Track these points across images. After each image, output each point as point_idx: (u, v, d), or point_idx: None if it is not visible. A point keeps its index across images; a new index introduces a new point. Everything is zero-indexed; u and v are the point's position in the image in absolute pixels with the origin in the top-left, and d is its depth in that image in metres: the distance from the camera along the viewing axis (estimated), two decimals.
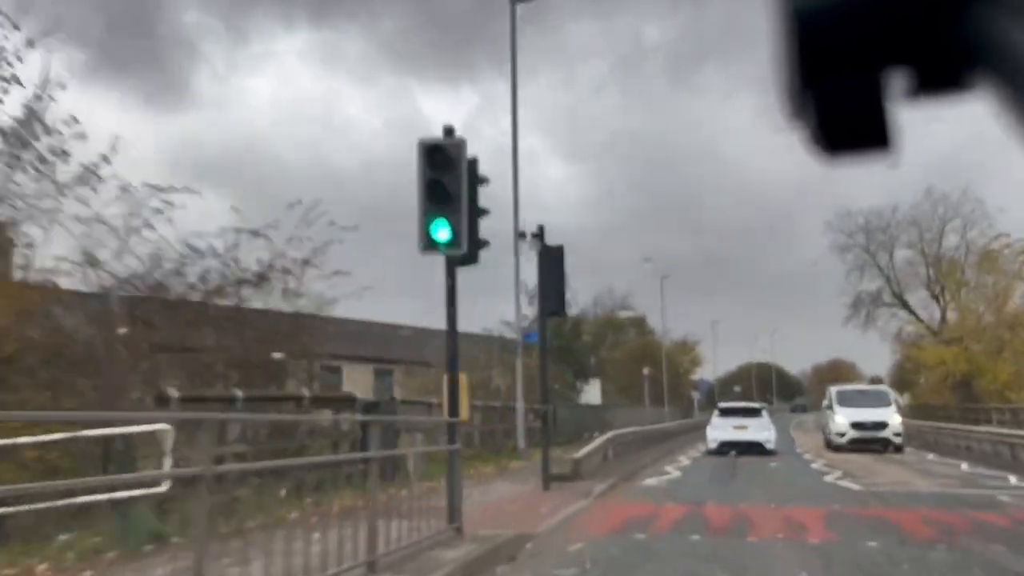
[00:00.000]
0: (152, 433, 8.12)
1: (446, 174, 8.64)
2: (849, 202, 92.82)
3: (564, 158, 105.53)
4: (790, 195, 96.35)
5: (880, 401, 26.77)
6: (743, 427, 26.19)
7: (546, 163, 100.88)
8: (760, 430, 26.07)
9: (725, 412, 27.73)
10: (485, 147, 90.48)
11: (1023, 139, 0.68)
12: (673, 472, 19.02)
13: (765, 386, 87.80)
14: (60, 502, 6.96)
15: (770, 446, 25.63)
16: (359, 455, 9.29)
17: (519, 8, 21.71)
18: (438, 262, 8.99)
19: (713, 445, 25.96)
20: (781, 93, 0.76)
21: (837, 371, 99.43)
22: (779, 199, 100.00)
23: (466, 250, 8.70)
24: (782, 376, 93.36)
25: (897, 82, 0.73)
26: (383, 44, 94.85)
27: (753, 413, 27.53)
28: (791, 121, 0.76)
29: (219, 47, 79.88)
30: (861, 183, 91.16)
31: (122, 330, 11.24)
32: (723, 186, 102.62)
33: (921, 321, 50.88)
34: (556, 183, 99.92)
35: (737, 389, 66.61)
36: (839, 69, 0.73)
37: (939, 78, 0.73)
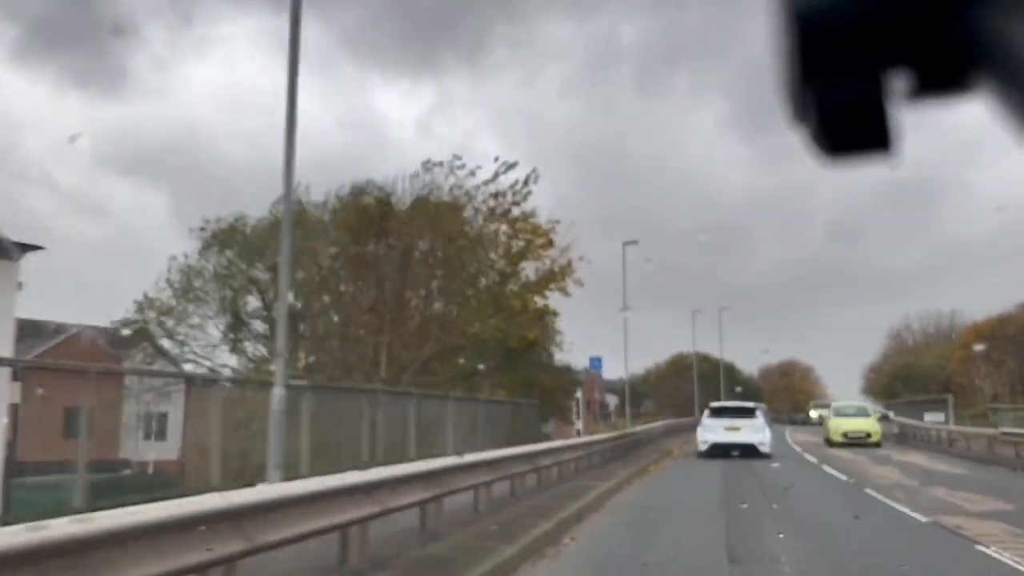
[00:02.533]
0: None
1: None
2: (804, 214, 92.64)
3: (520, 160, 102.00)
4: (744, 205, 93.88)
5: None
6: (736, 428, 24.99)
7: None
8: (754, 431, 24.92)
9: (717, 412, 26.37)
10: (438, 147, 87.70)
11: None
12: None
13: (711, 388, 64.45)
14: None
15: (765, 449, 24.56)
16: None
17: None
18: None
19: (703, 447, 24.94)
20: (782, 93, 0.75)
21: (790, 375, 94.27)
22: (734, 208, 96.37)
23: None
24: (733, 376, 74.61)
25: (898, 83, 0.73)
26: (341, 34, 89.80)
27: (747, 413, 26.18)
28: (791, 122, 0.76)
29: (161, 28, 72.45)
30: (816, 194, 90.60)
31: None
32: (679, 194, 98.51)
33: None
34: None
35: (739, 389, 62.74)
36: (840, 70, 0.73)
37: (940, 79, 0.73)
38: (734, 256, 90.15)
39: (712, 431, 25.26)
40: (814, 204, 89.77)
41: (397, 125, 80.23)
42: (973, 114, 0.75)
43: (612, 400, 66.49)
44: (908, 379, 63.63)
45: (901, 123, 0.74)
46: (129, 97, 78.21)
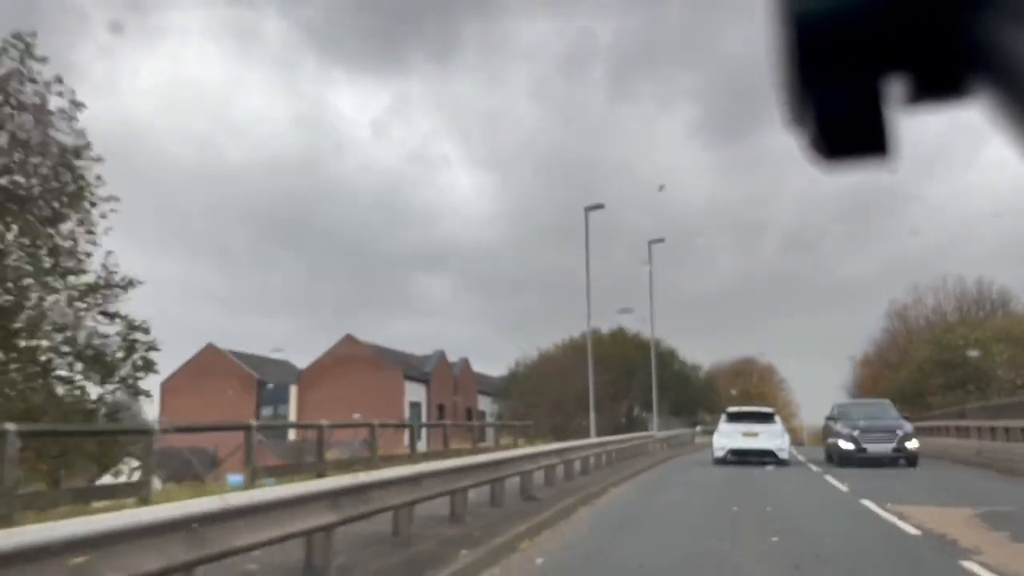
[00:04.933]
0: None
1: None
2: (761, 225, 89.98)
3: (480, 165, 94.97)
4: (702, 214, 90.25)
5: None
6: (753, 434, 24.35)
7: (462, 170, 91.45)
8: (772, 438, 24.27)
9: (733, 417, 25.70)
10: (396, 148, 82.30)
11: (1022, 145, 0.68)
12: None
13: (640, 385, 47.09)
14: None
15: (783, 455, 23.90)
16: None
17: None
18: None
19: (720, 454, 24.38)
20: (780, 99, 0.76)
21: (746, 374, 77.81)
22: (692, 217, 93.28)
23: None
24: (669, 364, 54.01)
25: (896, 88, 0.73)
26: (307, 27, 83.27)
27: (765, 419, 25.46)
28: (790, 127, 0.76)
29: (108, 13, 68.47)
30: (778, 203, 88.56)
31: None
32: (639, 203, 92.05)
33: None
34: (468, 192, 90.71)
35: (733, 392, 58.07)
36: (838, 74, 0.73)
37: (939, 84, 0.73)
38: (693, 265, 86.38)
39: (729, 437, 24.57)
40: (773, 214, 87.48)
41: (357, 125, 77.03)
42: (933, 128, 0.75)
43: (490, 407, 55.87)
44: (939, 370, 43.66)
45: (898, 128, 0.74)
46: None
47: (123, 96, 66.54)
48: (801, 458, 27.76)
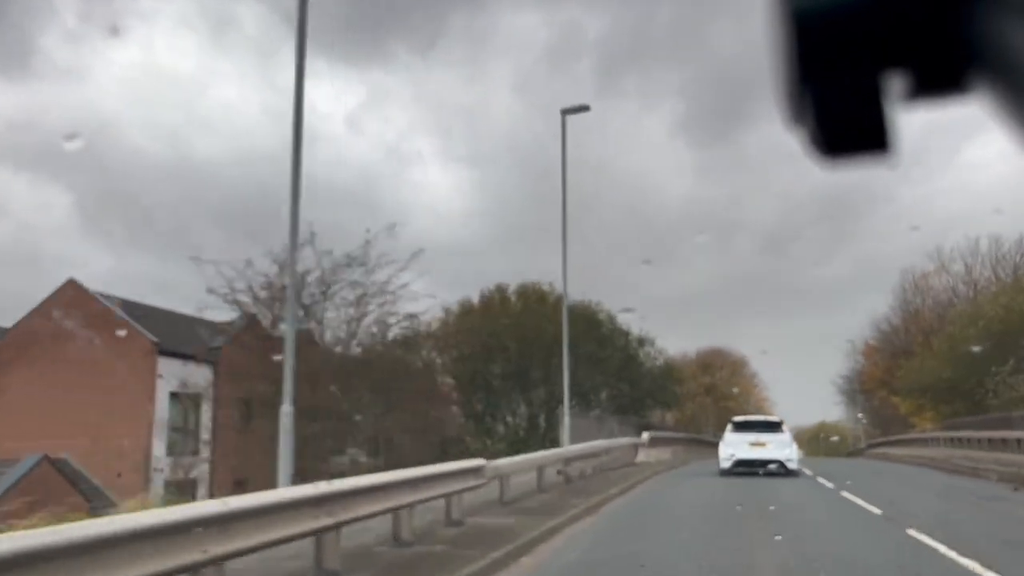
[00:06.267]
0: None
1: None
2: (734, 225, 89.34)
3: (459, 162, 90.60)
4: (678, 215, 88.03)
5: None
6: (761, 443, 23.59)
7: (442, 167, 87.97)
8: (781, 447, 23.54)
9: (740, 426, 25.05)
10: (372, 143, 77.24)
11: (1022, 141, 0.68)
12: None
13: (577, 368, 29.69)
14: None
15: (792, 466, 23.26)
16: None
17: None
18: None
19: (726, 464, 23.57)
20: (779, 95, 0.76)
21: (713, 369, 68.96)
22: (671, 216, 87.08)
23: None
24: (593, 326, 39.07)
25: (896, 84, 0.73)
26: (286, 13, 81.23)
27: (772, 428, 24.80)
28: (789, 124, 0.76)
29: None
30: (755, 205, 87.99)
31: None
32: (617, 204, 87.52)
33: None
34: (445, 189, 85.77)
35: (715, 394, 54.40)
36: (838, 71, 0.73)
37: (938, 80, 0.73)
38: (668, 265, 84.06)
39: (736, 446, 23.85)
40: (753, 214, 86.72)
41: (333, 119, 74.68)
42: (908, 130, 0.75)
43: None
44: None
45: (898, 124, 0.74)
46: (32, 81, 66.12)
47: (92, 85, 61.73)
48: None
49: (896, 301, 52.40)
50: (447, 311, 38.00)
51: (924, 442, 35.50)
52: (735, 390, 68.24)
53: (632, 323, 42.78)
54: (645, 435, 32.00)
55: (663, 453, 31.19)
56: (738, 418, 26.93)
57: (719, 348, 68.81)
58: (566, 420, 24.99)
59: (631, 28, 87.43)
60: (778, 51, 0.74)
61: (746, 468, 22.98)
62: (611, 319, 41.41)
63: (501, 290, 41.52)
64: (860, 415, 64.30)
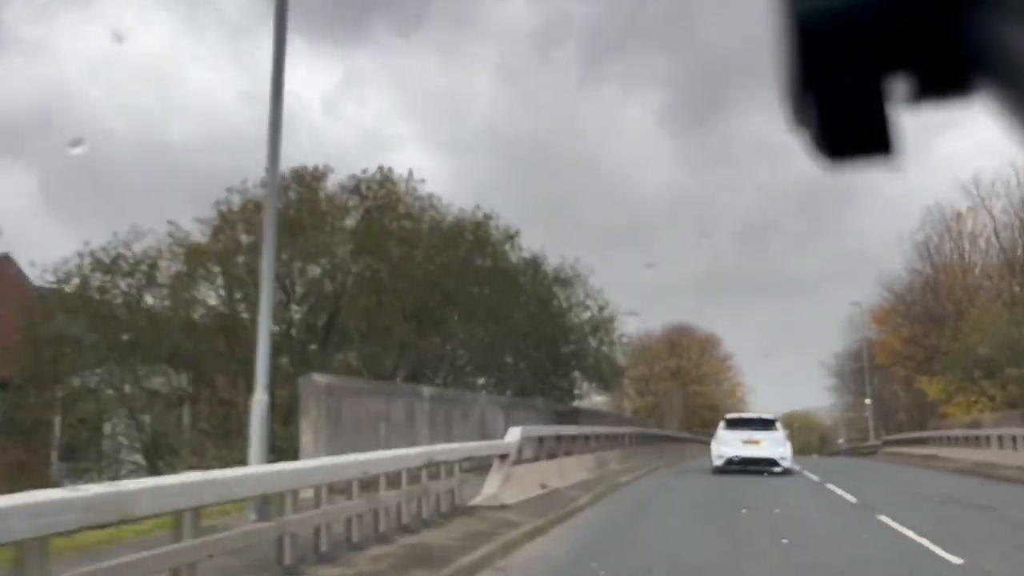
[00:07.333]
0: None
1: None
2: (717, 219, 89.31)
3: (441, 148, 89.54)
4: (661, 206, 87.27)
5: None
6: (754, 441, 23.32)
7: (423, 152, 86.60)
8: (775, 445, 23.29)
9: (733, 424, 24.73)
10: (349, 128, 74.80)
11: None
12: None
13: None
14: None
15: (786, 464, 23.07)
16: None
17: None
18: None
19: (719, 462, 23.31)
20: (782, 97, 0.75)
21: (681, 351, 60.03)
22: (650, 209, 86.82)
23: None
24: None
25: (899, 87, 0.73)
26: None
27: (766, 425, 24.46)
28: (792, 126, 0.76)
29: None
30: (734, 198, 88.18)
31: None
32: (599, 193, 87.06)
33: None
34: (428, 176, 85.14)
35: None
36: (841, 73, 0.73)
37: (942, 83, 0.73)
38: (655, 255, 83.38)
39: (728, 445, 23.54)
40: (735, 205, 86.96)
41: (311, 104, 72.60)
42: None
43: None
44: None
45: (902, 127, 0.74)
46: None
47: (56, 62, 59.34)
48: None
49: (916, 252, 40.13)
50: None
51: (976, 441, 26.44)
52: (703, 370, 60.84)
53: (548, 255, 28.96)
54: (514, 433, 15.09)
55: (573, 469, 17.88)
56: (731, 415, 26.62)
57: (686, 324, 60.78)
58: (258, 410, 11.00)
59: (619, 13, 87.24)
60: (781, 54, 0.74)
61: (739, 467, 22.66)
62: (512, 242, 27.24)
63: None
64: (868, 400, 50.54)
